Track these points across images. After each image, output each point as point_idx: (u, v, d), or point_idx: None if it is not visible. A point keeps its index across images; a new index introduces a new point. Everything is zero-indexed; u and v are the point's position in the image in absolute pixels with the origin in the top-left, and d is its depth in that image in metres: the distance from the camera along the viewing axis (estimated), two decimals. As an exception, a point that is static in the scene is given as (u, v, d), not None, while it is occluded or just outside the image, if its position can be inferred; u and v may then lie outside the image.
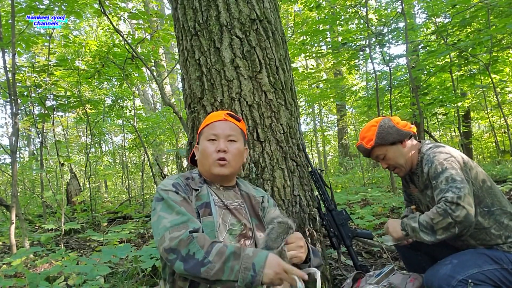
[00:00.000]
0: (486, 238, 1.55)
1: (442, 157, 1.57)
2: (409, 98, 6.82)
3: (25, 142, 14.25)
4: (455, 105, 6.85)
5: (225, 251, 1.10)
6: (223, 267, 1.08)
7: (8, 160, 7.90)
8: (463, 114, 8.38)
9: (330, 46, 7.39)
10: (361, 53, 6.38)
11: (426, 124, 7.46)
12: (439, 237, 1.45)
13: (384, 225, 1.69)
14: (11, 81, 3.67)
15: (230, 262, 1.08)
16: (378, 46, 6.07)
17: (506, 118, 7.15)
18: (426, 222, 1.46)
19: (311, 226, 1.92)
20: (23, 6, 4.37)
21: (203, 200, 1.32)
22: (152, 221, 1.27)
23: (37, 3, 4.38)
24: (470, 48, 5.07)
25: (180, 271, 1.11)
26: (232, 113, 1.45)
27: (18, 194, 4.52)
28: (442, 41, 5.53)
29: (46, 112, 5.41)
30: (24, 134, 11.97)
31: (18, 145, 5.53)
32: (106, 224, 4.89)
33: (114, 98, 7.28)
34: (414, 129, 1.74)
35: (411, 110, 6.76)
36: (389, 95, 5.80)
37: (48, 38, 5.45)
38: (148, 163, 6.92)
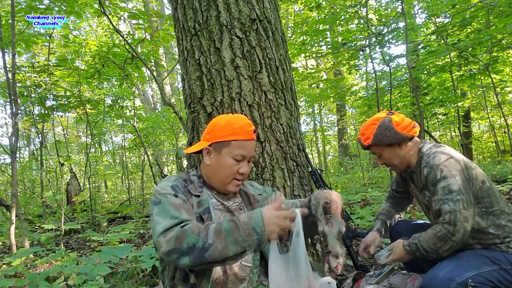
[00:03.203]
0: (483, 237, 1.55)
1: (442, 159, 1.56)
2: (409, 98, 6.82)
3: (25, 142, 14.26)
4: (455, 105, 6.84)
5: (221, 229, 1.10)
6: (226, 244, 1.08)
7: (8, 160, 7.90)
8: (463, 114, 8.36)
9: (330, 46, 7.39)
10: (361, 53, 6.37)
11: (426, 124, 7.45)
12: (444, 254, 1.54)
13: (393, 249, 1.67)
14: (11, 81, 3.67)
15: (232, 236, 1.08)
16: (378, 46, 6.06)
17: (506, 118, 7.14)
18: (431, 248, 1.52)
19: (311, 226, 1.92)
20: (23, 6, 4.36)
21: (204, 206, 1.31)
22: (150, 224, 1.27)
23: (37, 3, 4.37)
24: (470, 48, 5.07)
25: (188, 266, 1.11)
26: (254, 128, 1.38)
27: (18, 194, 4.52)
28: (442, 41, 5.53)
29: (46, 112, 5.41)
30: (24, 134, 11.97)
31: (18, 145, 5.53)
32: (106, 224, 4.88)
33: (114, 98, 7.28)
34: (417, 130, 1.69)
35: (411, 110, 6.76)
36: (389, 95, 5.80)
37: (48, 38, 5.45)
38: (148, 163, 6.92)
